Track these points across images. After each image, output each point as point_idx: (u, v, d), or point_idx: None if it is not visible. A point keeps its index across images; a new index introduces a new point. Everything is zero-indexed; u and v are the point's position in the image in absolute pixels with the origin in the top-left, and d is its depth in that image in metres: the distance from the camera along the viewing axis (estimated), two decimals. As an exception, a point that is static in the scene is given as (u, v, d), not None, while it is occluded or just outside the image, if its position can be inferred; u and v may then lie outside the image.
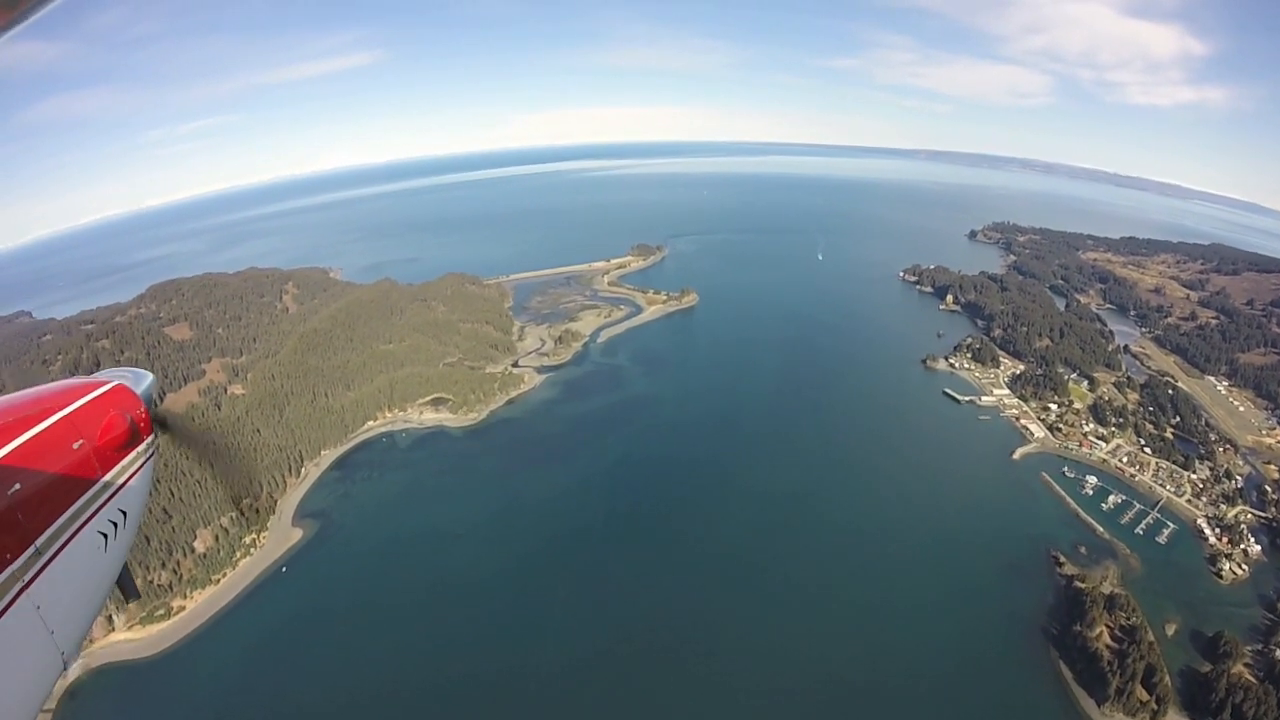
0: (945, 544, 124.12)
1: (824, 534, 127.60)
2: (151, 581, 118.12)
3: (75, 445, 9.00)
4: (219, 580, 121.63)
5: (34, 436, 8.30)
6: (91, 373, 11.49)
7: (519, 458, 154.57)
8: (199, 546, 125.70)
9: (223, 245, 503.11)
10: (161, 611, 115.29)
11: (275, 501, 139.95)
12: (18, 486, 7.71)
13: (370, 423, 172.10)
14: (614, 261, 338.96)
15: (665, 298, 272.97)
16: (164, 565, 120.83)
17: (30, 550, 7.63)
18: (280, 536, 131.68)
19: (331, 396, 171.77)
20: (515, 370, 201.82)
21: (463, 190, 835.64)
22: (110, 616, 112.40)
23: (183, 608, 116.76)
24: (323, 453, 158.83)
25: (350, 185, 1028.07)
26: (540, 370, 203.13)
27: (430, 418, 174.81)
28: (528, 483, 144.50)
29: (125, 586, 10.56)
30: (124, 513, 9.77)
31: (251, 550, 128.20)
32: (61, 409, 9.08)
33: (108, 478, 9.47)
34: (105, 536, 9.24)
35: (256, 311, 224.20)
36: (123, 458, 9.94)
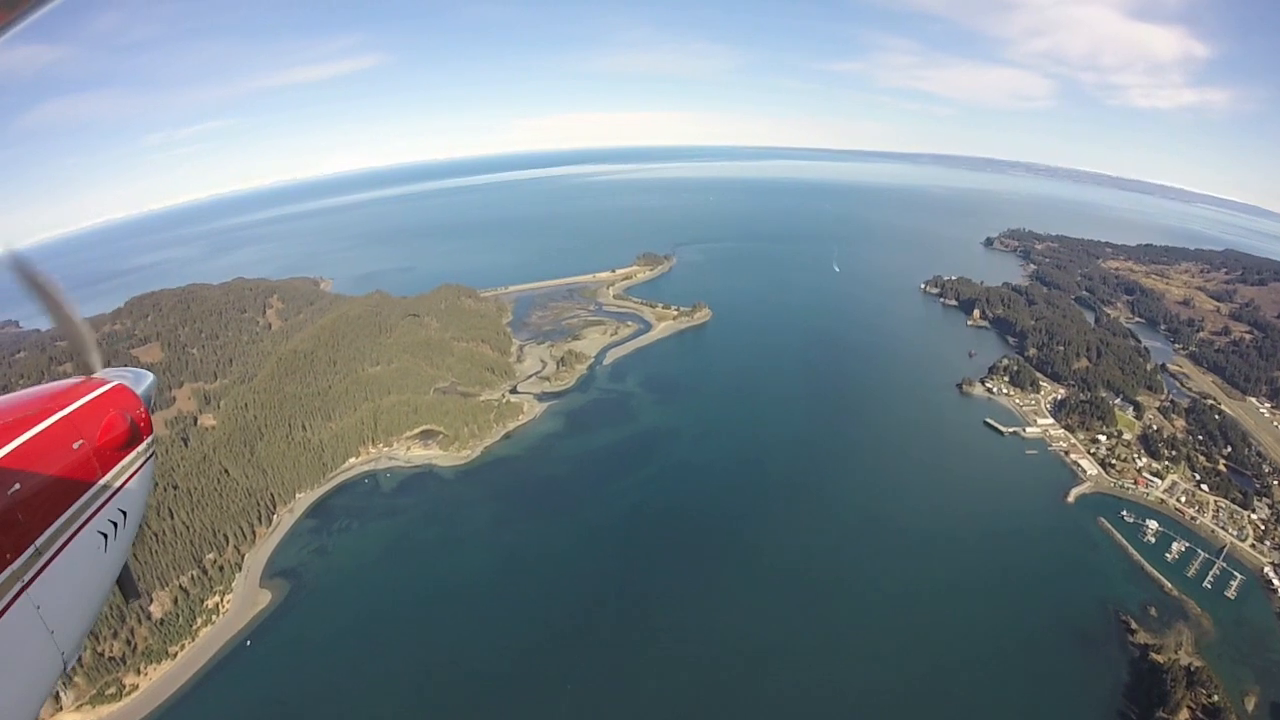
0: (1006, 611, 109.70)
1: (867, 598, 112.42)
2: (103, 654, 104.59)
3: (75, 445, 8.70)
4: (176, 654, 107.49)
5: (34, 436, 8.03)
6: None
7: (518, 506, 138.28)
8: (156, 611, 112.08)
9: (217, 252, 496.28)
10: (113, 690, 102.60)
11: (242, 556, 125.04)
12: (17, 486, 7.53)
13: (352, 460, 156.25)
14: (619, 272, 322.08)
15: (676, 313, 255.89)
16: (115, 634, 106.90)
17: (30, 550, 7.45)
18: (246, 600, 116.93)
19: (310, 429, 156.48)
20: (513, 398, 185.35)
21: (463, 195, 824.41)
22: (58, 694, 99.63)
23: (136, 685, 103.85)
24: (297, 495, 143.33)
25: (349, 190, 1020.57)
26: (540, 397, 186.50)
27: (419, 454, 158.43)
28: (528, 538, 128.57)
29: (125, 586, 10.19)
30: (124, 513, 9.50)
31: (214, 617, 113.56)
32: (61, 409, 8.78)
33: (108, 478, 9.20)
34: (105, 537, 8.99)
35: (236, 329, 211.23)
36: (123, 458, 9.59)
